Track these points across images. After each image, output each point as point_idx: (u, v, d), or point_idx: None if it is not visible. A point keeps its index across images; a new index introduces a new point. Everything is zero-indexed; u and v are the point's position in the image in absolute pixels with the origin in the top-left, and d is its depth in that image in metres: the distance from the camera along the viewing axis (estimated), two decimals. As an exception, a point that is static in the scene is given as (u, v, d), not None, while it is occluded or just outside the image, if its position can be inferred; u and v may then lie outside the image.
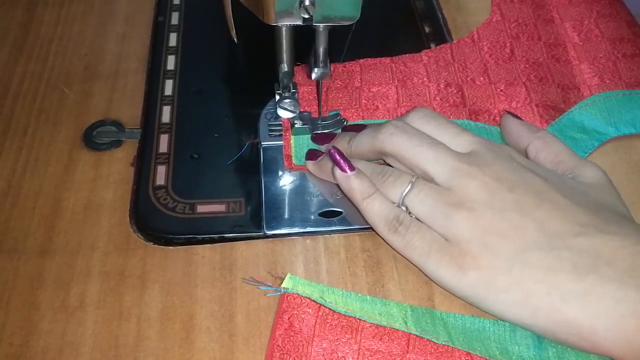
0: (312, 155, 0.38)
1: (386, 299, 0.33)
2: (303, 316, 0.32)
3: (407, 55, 0.46)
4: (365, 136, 0.37)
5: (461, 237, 0.32)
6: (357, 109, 0.42)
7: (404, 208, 0.34)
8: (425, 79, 0.44)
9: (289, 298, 0.32)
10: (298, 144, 0.40)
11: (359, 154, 0.37)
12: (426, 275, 0.33)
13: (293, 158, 0.39)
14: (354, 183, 0.34)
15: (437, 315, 0.32)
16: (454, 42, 0.47)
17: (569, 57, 0.46)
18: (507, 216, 0.31)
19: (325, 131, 0.40)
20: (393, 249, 0.34)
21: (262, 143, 0.40)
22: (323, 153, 0.38)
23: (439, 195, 0.33)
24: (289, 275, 0.32)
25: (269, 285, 0.32)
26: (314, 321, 0.31)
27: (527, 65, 0.45)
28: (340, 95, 0.43)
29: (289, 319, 0.31)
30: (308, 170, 0.39)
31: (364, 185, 0.34)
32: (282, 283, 0.32)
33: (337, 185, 0.36)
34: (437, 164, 0.33)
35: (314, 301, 0.32)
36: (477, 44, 0.47)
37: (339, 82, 0.44)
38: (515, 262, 0.30)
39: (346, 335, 0.31)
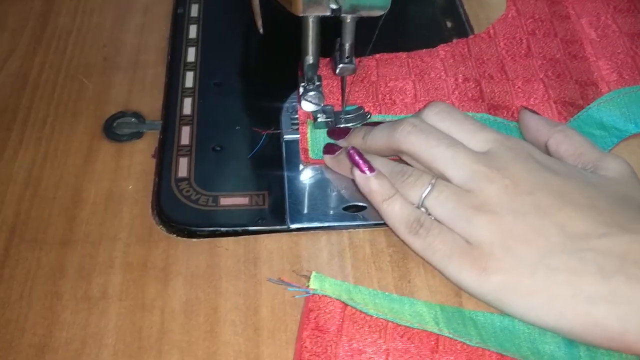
0: (329, 149, 0.38)
1: (413, 297, 0.33)
2: (329, 316, 0.31)
3: (423, 50, 0.45)
4: (381, 132, 0.36)
5: (483, 240, 0.31)
6: (375, 103, 0.42)
7: (423, 209, 0.33)
8: (442, 73, 0.44)
9: (314, 296, 0.31)
10: (314, 138, 0.40)
11: (374, 150, 0.36)
12: (447, 279, 0.33)
13: (309, 152, 0.39)
14: (373, 185, 0.34)
15: (466, 314, 0.32)
16: (470, 37, 0.47)
17: (585, 54, 0.45)
18: (528, 220, 0.31)
19: (341, 126, 0.40)
20: (413, 251, 0.34)
21: (285, 136, 0.40)
22: (340, 148, 0.37)
23: (459, 198, 0.32)
24: (314, 273, 0.32)
25: (296, 287, 0.32)
26: (341, 320, 0.31)
27: (544, 62, 0.44)
28: (357, 89, 0.42)
29: (315, 318, 0.31)
30: (325, 164, 0.38)
31: (383, 187, 0.33)
32: (308, 282, 0.32)
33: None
34: (455, 167, 0.33)
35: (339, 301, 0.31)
36: (494, 39, 0.46)
37: (355, 77, 0.43)
38: (538, 265, 0.30)
39: (373, 335, 0.30)
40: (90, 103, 0.43)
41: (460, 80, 0.43)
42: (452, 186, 0.33)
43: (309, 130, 0.40)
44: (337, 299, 0.31)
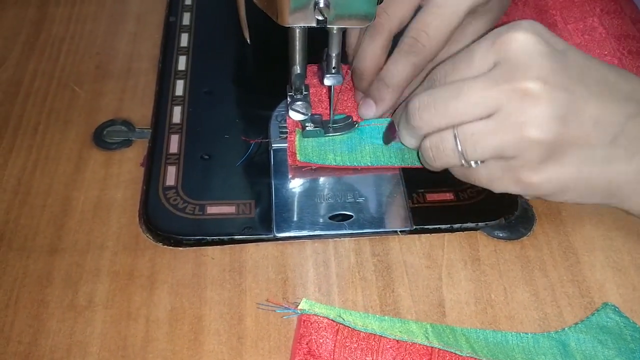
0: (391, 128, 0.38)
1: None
2: (321, 340, 0.31)
3: None
4: (403, 130, 0.35)
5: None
6: (353, 114, 0.42)
7: (472, 163, 0.32)
8: None
9: (306, 322, 0.31)
10: (302, 144, 0.40)
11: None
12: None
13: (297, 154, 0.39)
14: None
15: (458, 331, 0.32)
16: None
17: None
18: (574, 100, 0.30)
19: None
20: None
21: (273, 145, 0.40)
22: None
23: (491, 124, 0.31)
24: (304, 299, 0.32)
25: (285, 307, 0.32)
26: (333, 345, 0.31)
27: None
28: (345, 98, 0.42)
29: (307, 344, 0.31)
30: (312, 168, 0.39)
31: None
32: (298, 307, 0.32)
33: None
34: (476, 106, 0.31)
35: (331, 324, 0.31)
36: None
37: (344, 85, 0.43)
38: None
39: (367, 358, 0.31)
40: (82, 111, 0.43)
41: None
42: (472, 125, 0.31)
43: (297, 139, 0.40)
44: (326, 323, 0.31)
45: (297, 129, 0.40)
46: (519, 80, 0.30)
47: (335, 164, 0.39)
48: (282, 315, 0.32)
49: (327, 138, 0.40)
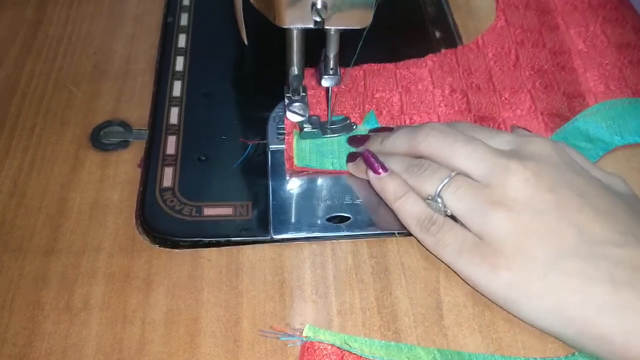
0: (351, 157, 0.38)
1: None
2: None
3: (411, 60, 0.45)
4: (400, 138, 0.36)
5: (496, 236, 0.31)
6: (361, 114, 0.42)
7: (439, 200, 0.33)
8: (429, 85, 0.44)
9: (310, 350, 0.31)
10: (300, 147, 0.40)
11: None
12: (458, 275, 0.33)
13: (295, 159, 0.39)
14: (386, 184, 0.35)
15: (465, 357, 0.31)
16: (459, 47, 0.47)
17: (573, 65, 0.45)
18: (545, 219, 0.31)
19: (359, 134, 0.40)
20: (425, 247, 0.34)
21: (270, 146, 0.40)
22: (360, 154, 0.38)
23: (477, 192, 0.32)
24: (307, 325, 0.31)
25: (290, 335, 0.31)
26: None
27: (532, 73, 0.44)
28: (344, 100, 0.42)
29: None
30: (309, 172, 0.39)
31: (396, 186, 0.34)
32: (302, 333, 0.31)
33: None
34: (475, 160, 0.33)
35: (336, 350, 0.31)
36: (482, 50, 0.46)
37: (343, 87, 0.43)
38: (551, 268, 0.30)
39: None
40: (79, 112, 0.43)
41: (447, 92, 0.43)
42: (470, 180, 0.33)
43: (295, 140, 0.40)
44: (332, 351, 0.31)
45: (295, 130, 0.40)
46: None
47: (333, 168, 0.39)
48: (287, 344, 0.31)
49: (325, 140, 0.40)
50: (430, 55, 0.46)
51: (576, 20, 0.48)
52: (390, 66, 0.45)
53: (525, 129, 0.39)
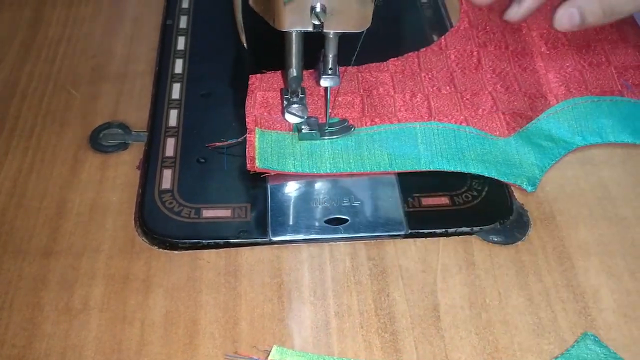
0: None
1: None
2: None
3: (373, 64, 0.45)
4: None
5: None
6: (322, 118, 0.41)
7: None
8: (390, 89, 0.44)
9: None
10: (262, 147, 0.39)
11: None
12: None
13: (257, 160, 0.38)
14: None
15: None
16: (421, 50, 0.46)
17: (536, 67, 0.46)
18: None
19: None
20: None
21: (269, 148, 0.40)
22: None
23: None
24: (275, 347, 0.31)
25: (256, 359, 0.31)
26: None
27: (493, 75, 0.45)
28: (309, 102, 0.42)
29: None
30: (270, 174, 0.38)
31: None
32: (268, 356, 0.31)
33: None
34: None
35: None
36: (444, 52, 0.46)
37: (308, 89, 0.42)
38: None
39: None
40: (78, 113, 0.43)
41: (407, 97, 0.43)
42: None
43: (257, 140, 0.39)
44: None
45: (256, 127, 0.40)
46: None
47: (294, 170, 0.38)
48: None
49: (294, 140, 0.39)
50: (392, 59, 0.45)
51: (538, 22, 0.48)
52: (352, 69, 0.44)
53: None
